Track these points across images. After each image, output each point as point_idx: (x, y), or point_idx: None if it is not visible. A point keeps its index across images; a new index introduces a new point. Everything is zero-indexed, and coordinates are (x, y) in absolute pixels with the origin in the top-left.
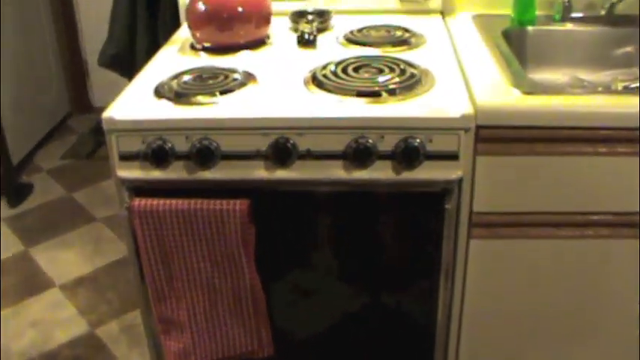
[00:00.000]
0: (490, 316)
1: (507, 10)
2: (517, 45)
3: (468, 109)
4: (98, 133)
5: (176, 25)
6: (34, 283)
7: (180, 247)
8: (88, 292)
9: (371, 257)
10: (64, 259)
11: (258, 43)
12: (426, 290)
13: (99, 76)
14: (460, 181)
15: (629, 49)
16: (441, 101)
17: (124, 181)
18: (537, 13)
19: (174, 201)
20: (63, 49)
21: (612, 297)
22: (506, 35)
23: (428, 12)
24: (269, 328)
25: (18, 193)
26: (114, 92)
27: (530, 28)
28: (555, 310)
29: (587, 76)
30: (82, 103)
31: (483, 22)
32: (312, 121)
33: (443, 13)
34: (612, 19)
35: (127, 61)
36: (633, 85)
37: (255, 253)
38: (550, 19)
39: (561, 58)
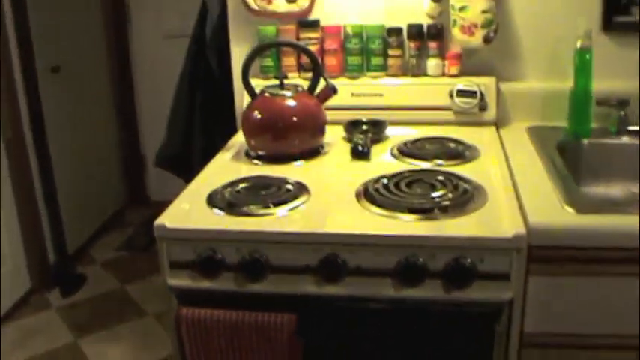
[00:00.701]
0: None
1: (562, 122)
2: (572, 158)
3: (519, 229)
4: (153, 226)
5: (233, 129)
6: None
7: (226, 358)
8: None
9: None
10: (112, 354)
11: (313, 152)
12: None
13: (156, 170)
14: (511, 301)
15: None
16: (493, 220)
17: (172, 289)
18: (592, 125)
19: (221, 312)
20: (123, 144)
21: None
22: (561, 148)
23: (482, 124)
24: None
25: (71, 284)
26: (170, 187)
27: (585, 141)
28: None
29: None
30: (139, 195)
31: (538, 134)
32: (364, 237)
33: (497, 125)
34: None
35: (183, 163)
36: None
37: None
38: (606, 132)
39: (617, 172)
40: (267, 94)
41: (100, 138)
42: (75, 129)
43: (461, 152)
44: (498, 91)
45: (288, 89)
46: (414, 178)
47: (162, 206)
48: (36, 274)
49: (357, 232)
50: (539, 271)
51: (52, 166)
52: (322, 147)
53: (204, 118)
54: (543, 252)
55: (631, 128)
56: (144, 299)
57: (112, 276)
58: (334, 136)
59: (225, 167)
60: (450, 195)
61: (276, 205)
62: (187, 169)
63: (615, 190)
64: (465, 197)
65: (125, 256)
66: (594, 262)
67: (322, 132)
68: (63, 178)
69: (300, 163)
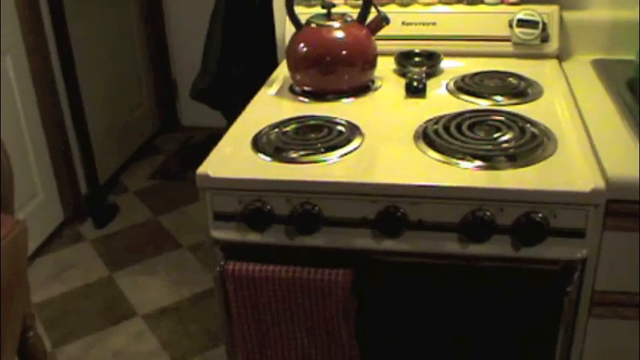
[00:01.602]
0: None
1: (629, 55)
2: None
3: (598, 184)
4: (185, 153)
5: (273, 58)
6: (117, 310)
7: (276, 316)
8: (171, 324)
9: (480, 336)
10: (148, 287)
11: (363, 88)
12: None
13: (187, 95)
14: (585, 260)
15: None
16: (566, 171)
17: (217, 242)
18: None
19: (271, 267)
20: (153, 69)
21: None
22: (632, 85)
23: (544, 57)
24: None
25: (104, 215)
26: (202, 112)
27: None
28: None
29: None
30: (170, 122)
31: (604, 68)
32: (426, 190)
33: (559, 58)
34: None
35: (219, 95)
36: None
37: (355, 326)
38: None
39: None
40: (313, 25)
41: (129, 64)
42: (109, 56)
43: (523, 89)
44: (561, 20)
45: (336, 19)
46: (476, 120)
47: (193, 132)
48: (68, 206)
49: (419, 183)
50: (616, 226)
51: (80, 92)
52: (372, 82)
53: (241, 46)
54: (622, 206)
55: None
56: (178, 231)
57: (144, 206)
58: (384, 68)
59: (269, 104)
60: (518, 141)
61: (329, 150)
62: (224, 101)
63: None
64: (533, 144)
65: (158, 185)
66: None
67: (373, 66)
68: (92, 105)
69: (349, 99)
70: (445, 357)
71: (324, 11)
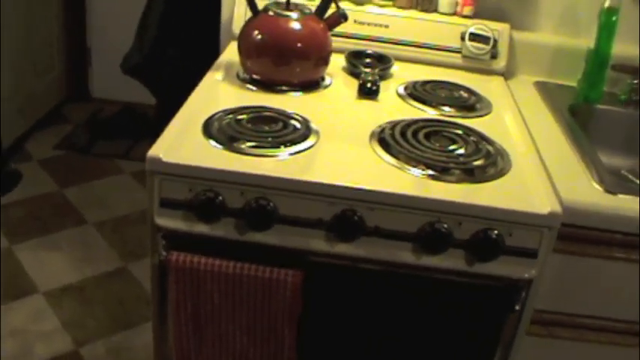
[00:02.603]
0: None
1: (568, 81)
2: (584, 123)
3: (554, 207)
4: (94, 125)
5: (212, 41)
6: (16, 285)
7: (217, 313)
8: (74, 304)
9: (421, 345)
10: (50, 262)
11: (313, 84)
12: None
13: (101, 65)
14: (532, 279)
15: None
16: (522, 190)
17: (160, 229)
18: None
19: (217, 261)
20: (68, 33)
21: None
22: (574, 111)
23: (490, 73)
24: None
25: (5, 181)
26: (114, 84)
27: (599, 106)
28: None
29: None
30: (80, 91)
31: (547, 91)
32: (384, 196)
33: (504, 76)
34: None
35: (152, 72)
36: None
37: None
38: (614, 99)
39: (622, 141)
40: (271, 13)
41: (43, 27)
42: (16, 17)
43: (473, 104)
44: (511, 39)
45: (294, 10)
46: (432, 129)
47: (104, 104)
48: None
49: (378, 189)
50: (563, 249)
51: None
52: (323, 79)
53: (181, 26)
54: (572, 231)
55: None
56: (84, 206)
57: (49, 177)
58: (333, 65)
59: (217, 90)
60: (473, 156)
61: (285, 144)
62: (157, 79)
63: (619, 160)
64: (489, 161)
65: (64, 156)
66: (618, 246)
67: (327, 62)
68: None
69: (298, 94)
70: None
71: (283, 0)
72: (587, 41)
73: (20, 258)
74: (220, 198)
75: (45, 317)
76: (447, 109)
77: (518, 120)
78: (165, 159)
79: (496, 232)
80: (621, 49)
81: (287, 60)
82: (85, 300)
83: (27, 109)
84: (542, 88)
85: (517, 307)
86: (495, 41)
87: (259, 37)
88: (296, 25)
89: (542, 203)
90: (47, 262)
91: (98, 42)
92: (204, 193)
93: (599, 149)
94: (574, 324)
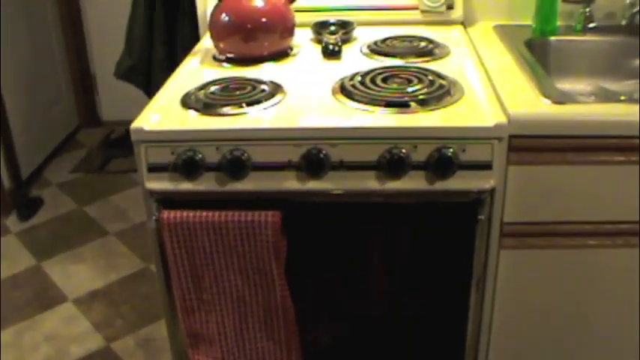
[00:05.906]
0: (520, 326)
1: (528, 21)
2: (540, 55)
3: (501, 119)
4: (107, 146)
5: (195, 37)
6: (47, 297)
7: (211, 260)
8: (102, 307)
9: (401, 268)
10: (77, 273)
11: (282, 54)
12: (457, 301)
13: (107, 90)
14: (493, 190)
15: None
16: (472, 111)
17: (152, 193)
18: (558, 23)
19: (204, 213)
20: (72, 64)
21: None
22: (530, 45)
23: (449, 23)
24: (298, 341)
25: (28, 207)
26: (122, 106)
27: (553, 38)
28: (586, 319)
29: (610, 85)
30: (91, 117)
31: (505, 32)
32: (346, 131)
33: (464, 24)
34: (633, 29)
35: (144, 73)
36: None
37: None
38: (570, 30)
39: (584, 68)
40: None
41: (48, 58)
42: (24, 50)
43: (431, 50)
44: None
45: None
46: (389, 74)
47: (114, 126)
48: None
49: (338, 125)
50: (519, 160)
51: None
52: (291, 48)
53: (164, 25)
54: (523, 141)
55: (595, 25)
56: (104, 219)
57: (68, 198)
58: (302, 38)
59: (194, 72)
60: (427, 89)
61: (253, 104)
62: (148, 80)
63: (584, 85)
64: (441, 91)
65: (81, 178)
66: (572, 151)
67: (291, 33)
68: (14, 102)
69: (270, 65)
70: (367, 288)
71: None
72: None
73: (49, 273)
74: (200, 155)
75: (76, 321)
76: (408, 58)
77: (474, 58)
78: (147, 128)
79: (451, 149)
80: None
81: (254, 35)
82: (111, 302)
83: (42, 140)
84: (501, 29)
85: (481, 217)
86: None
87: (227, 18)
88: (259, 3)
89: (489, 118)
90: (74, 273)
91: (101, 69)
92: (184, 153)
93: (560, 77)
94: (544, 232)
